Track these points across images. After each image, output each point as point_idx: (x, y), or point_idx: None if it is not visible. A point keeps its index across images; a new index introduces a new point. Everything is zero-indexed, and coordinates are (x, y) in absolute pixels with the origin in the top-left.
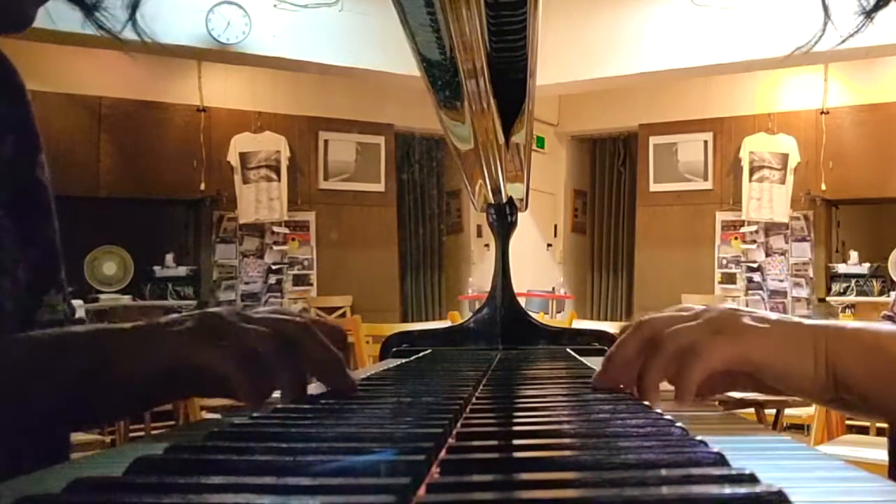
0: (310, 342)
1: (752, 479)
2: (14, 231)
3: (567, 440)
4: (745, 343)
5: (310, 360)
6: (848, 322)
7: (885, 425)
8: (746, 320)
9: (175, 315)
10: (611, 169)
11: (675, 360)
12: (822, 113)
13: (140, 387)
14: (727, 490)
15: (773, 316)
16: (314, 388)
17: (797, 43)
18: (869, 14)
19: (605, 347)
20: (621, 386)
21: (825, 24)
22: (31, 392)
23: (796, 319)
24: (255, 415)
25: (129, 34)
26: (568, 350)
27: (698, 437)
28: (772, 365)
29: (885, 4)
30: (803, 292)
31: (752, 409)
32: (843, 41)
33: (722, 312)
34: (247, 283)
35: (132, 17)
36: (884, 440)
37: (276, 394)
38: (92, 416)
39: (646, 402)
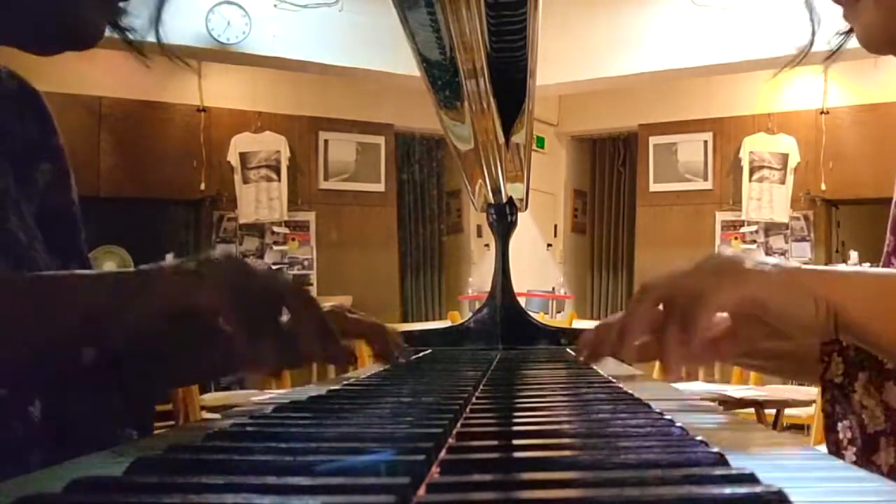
0: (301, 303)
1: (752, 479)
2: (45, 246)
3: (567, 440)
4: (748, 284)
5: (300, 324)
6: (846, 267)
7: None
8: (747, 264)
9: (178, 260)
10: (611, 169)
11: (684, 315)
12: (822, 113)
13: (142, 329)
14: (727, 490)
15: (772, 259)
16: (314, 388)
17: (797, 43)
18: (844, 39)
19: None
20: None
21: (812, 36)
22: (27, 325)
23: (795, 263)
24: (255, 415)
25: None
26: (568, 350)
27: (698, 437)
28: (774, 303)
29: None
30: None
31: (752, 409)
32: (829, 58)
33: (722, 260)
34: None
35: (156, 27)
36: None
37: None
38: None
39: (669, 377)
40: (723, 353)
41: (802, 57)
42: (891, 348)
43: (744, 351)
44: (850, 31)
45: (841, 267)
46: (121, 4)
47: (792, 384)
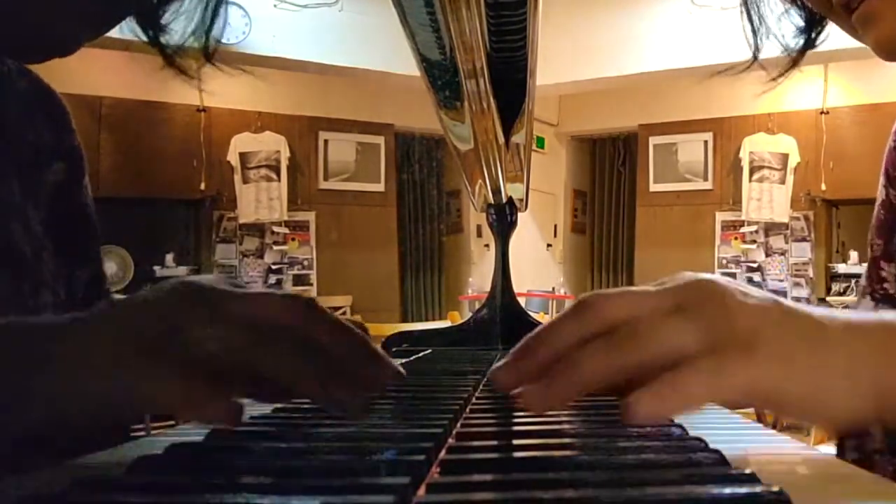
0: (280, 364)
1: (752, 479)
2: (54, 250)
3: (567, 440)
4: (763, 371)
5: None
6: (886, 314)
7: None
8: (765, 330)
9: (95, 315)
10: (611, 169)
11: (649, 373)
12: (822, 113)
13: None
14: (727, 490)
15: (788, 302)
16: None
17: (796, 43)
18: (795, 60)
19: None
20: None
21: (754, 54)
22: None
23: (817, 313)
24: (254, 415)
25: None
26: None
27: (698, 438)
28: (796, 400)
29: (810, 47)
30: (803, 292)
31: (752, 409)
32: (773, 79)
33: (717, 308)
34: (247, 283)
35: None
36: None
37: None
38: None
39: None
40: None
41: (746, 67)
42: None
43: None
44: (808, 45)
45: (882, 316)
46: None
47: None
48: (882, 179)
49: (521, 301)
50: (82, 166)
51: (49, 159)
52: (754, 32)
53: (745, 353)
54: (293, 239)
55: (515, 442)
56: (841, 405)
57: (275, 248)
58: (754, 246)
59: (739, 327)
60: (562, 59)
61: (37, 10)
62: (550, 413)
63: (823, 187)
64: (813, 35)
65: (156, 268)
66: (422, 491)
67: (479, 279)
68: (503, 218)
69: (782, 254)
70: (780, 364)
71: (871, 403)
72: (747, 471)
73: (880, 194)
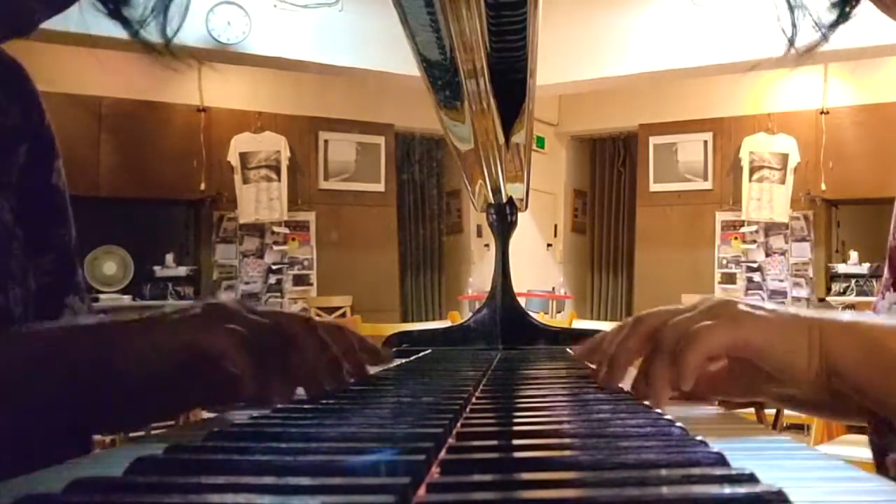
0: (308, 340)
1: (752, 479)
2: (25, 239)
3: (567, 440)
4: (742, 328)
5: (305, 357)
6: (843, 313)
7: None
8: (742, 308)
9: (180, 304)
10: (611, 169)
11: (675, 354)
12: (822, 113)
13: (148, 376)
14: (727, 490)
15: (769, 305)
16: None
17: (797, 43)
18: (825, 34)
19: None
20: (623, 387)
21: (793, 34)
22: (33, 388)
23: (793, 310)
24: (254, 414)
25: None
26: (568, 350)
27: (698, 437)
28: (768, 350)
29: (843, 20)
30: (803, 292)
31: (751, 410)
32: (803, 53)
33: (718, 302)
34: (247, 283)
35: (162, 18)
36: None
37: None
38: (101, 415)
39: (656, 407)
40: (720, 390)
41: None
42: (884, 402)
43: (745, 392)
44: (841, 19)
45: (840, 315)
46: None
47: None
48: None
49: (521, 301)
50: (54, 147)
51: (17, 141)
52: (791, 10)
53: (731, 321)
54: (293, 239)
55: (515, 442)
56: (798, 360)
57: (275, 248)
58: (754, 246)
59: (730, 312)
60: (562, 59)
61: None
62: (550, 413)
63: (823, 187)
64: (847, 9)
65: (156, 268)
66: (422, 491)
67: (479, 279)
68: (503, 218)
69: (782, 254)
70: (756, 328)
71: (821, 369)
72: (747, 471)
73: None
